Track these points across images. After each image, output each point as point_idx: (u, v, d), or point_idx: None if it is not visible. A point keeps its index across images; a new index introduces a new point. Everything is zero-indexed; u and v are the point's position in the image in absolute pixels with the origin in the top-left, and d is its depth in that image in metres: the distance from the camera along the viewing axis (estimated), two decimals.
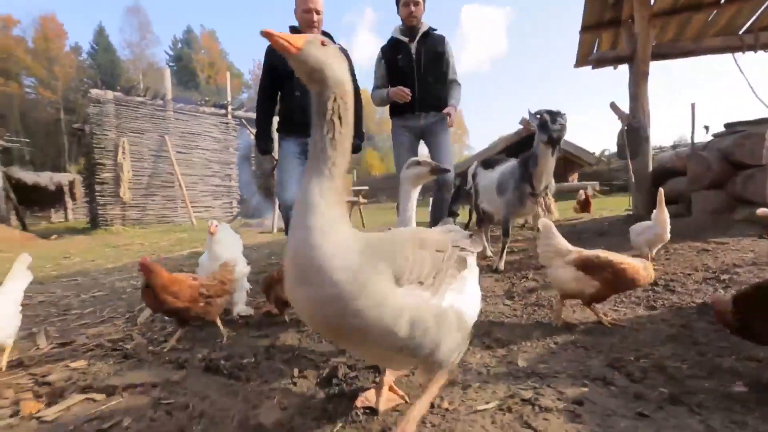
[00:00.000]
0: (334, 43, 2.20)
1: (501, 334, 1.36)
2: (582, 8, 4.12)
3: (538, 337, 1.29)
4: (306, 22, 2.15)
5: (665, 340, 1.16)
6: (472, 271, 0.95)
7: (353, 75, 2.40)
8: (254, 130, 2.51)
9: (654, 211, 2.10)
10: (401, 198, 1.22)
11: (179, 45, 44.37)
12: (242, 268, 1.92)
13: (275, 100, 2.33)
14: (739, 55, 3.93)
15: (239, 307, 1.87)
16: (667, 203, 3.52)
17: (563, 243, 1.46)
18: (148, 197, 8.53)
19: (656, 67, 3.80)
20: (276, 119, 2.46)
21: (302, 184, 0.71)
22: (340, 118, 0.72)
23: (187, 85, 39.74)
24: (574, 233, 3.59)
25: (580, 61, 4.94)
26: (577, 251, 1.40)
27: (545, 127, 2.20)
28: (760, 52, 3.95)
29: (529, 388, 0.93)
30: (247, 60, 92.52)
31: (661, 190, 2.12)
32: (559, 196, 12.53)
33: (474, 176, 3.11)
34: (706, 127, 3.83)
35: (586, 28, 4.45)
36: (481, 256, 2.93)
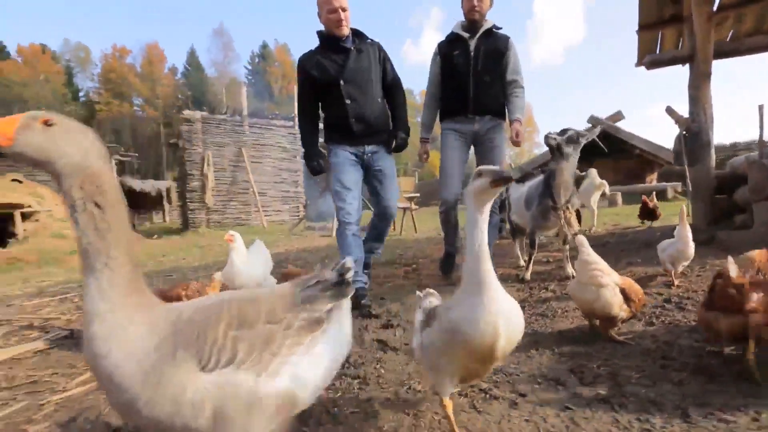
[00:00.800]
0: (366, 39, 2.17)
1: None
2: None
3: (525, 343, 1.46)
4: (333, 23, 2.06)
5: (638, 354, 1.26)
6: (333, 328, 0.79)
7: (392, 69, 2.21)
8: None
9: (677, 226, 2.08)
10: (467, 223, 0.86)
11: (256, 60, 48.24)
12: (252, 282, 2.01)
13: (318, 114, 2.24)
14: None
15: None
16: (740, 212, 3.29)
17: (603, 264, 1.43)
18: (227, 202, 9.64)
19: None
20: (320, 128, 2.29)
21: (83, 289, 0.63)
22: (97, 204, 0.63)
23: (263, 95, 43.11)
24: (620, 244, 3.49)
25: (641, 60, 4.70)
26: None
27: (551, 142, 2.29)
28: None
29: (489, 382, 1.13)
30: None
31: (683, 207, 2.09)
32: (632, 199, 11.58)
33: (507, 188, 3.21)
34: None
35: (644, 27, 4.24)
36: (515, 265, 3.03)
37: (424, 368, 1.00)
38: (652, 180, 14.82)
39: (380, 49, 2.24)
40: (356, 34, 2.20)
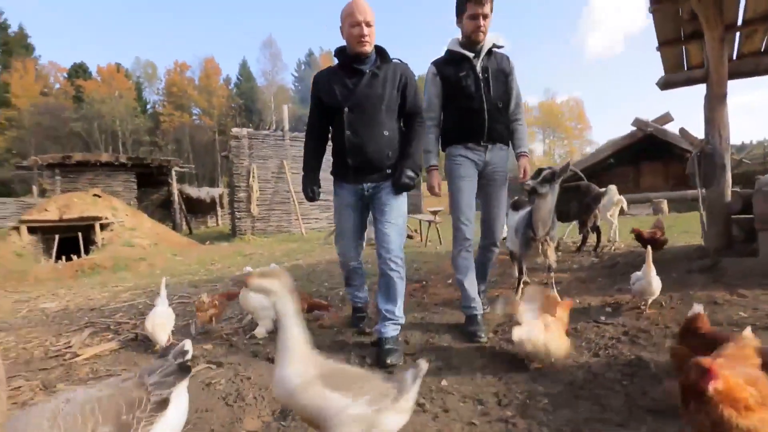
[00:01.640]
0: (389, 59, 1.97)
1: (456, 357, 1.86)
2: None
3: (479, 365, 1.76)
4: (355, 38, 1.89)
5: (560, 382, 1.53)
6: (176, 402, 1.05)
7: (413, 96, 2.03)
8: None
9: (644, 264, 2.22)
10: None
11: (302, 67, 50.23)
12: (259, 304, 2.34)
13: (325, 139, 2.14)
14: None
15: (257, 330, 2.37)
16: None
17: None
18: (270, 212, 10.44)
19: None
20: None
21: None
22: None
23: (307, 101, 44.80)
24: (626, 265, 3.57)
25: (668, 72, 4.65)
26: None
27: (526, 188, 2.33)
28: None
29: (427, 397, 1.45)
30: None
31: (649, 248, 2.24)
32: (681, 206, 10.95)
33: (506, 214, 3.43)
34: None
35: (664, 44, 4.23)
36: (513, 286, 3.24)
37: None
38: None
39: (403, 72, 2.02)
40: (379, 52, 2.01)
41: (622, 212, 5.05)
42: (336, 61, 2.05)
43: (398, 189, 2.02)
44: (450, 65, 2.20)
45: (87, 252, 6.59)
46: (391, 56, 2.05)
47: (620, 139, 12.94)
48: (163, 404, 0.99)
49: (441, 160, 2.39)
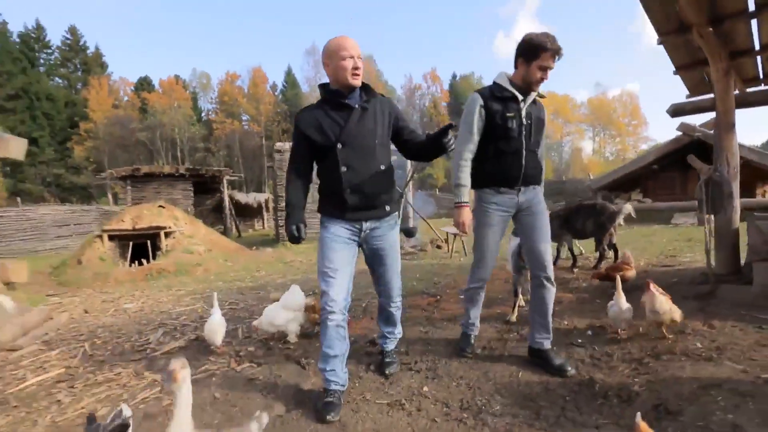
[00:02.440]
0: (375, 95, 1.92)
1: (442, 368, 2.29)
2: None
3: (458, 374, 2.18)
4: (347, 71, 1.83)
5: (518, 395, 1.92)
6: None
7: (406, 122, 2.04)
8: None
9: (619, 297, 2.50)
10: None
11: None
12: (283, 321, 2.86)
13: (310, 178, 2.01)
14: None
15: (289, 336, 2.89)
16: None
17: None
18: (309, 221, 11.21)
19: None
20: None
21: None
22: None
23: None
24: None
25: (692, 92, 4.71)
26: None
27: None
28: None
29: (409, 400, 1.91)
30: (399, 75, 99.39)
31: (618, 278, 2.52)
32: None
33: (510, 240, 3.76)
34: None
35: (680, 68, 4.33)
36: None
37: None
38: (765, 193, 12.91)
39: (390, 107, 2.02)
40: (365, 89, 1.95)
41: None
42: (320, 96, 1.98)
43: (446, 144, 1.87)
44: (498, 101, 2.10)
45: (154, 257, 7.63)
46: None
47: (665, 144, 12.44)
48: None
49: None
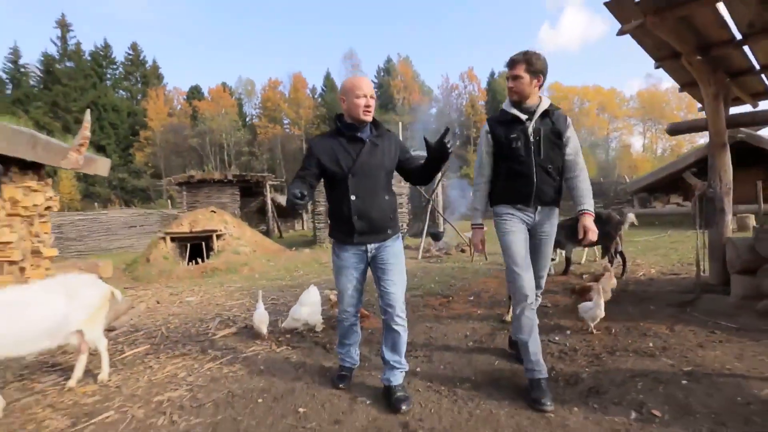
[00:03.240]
0: (384, 130, 2.13)
1: (439, 361, 2.85)
2: None
3: (453, 366, 2.73)
4: (361, 108, 2.03)
5: (495, 384, 2.45)
6: None
7: (410, 153, 2.23)
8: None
9: (596, 296, 2.94)
10: None
11: (381, 74, 52.30)
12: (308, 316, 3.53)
13: (313, 185, 2.13)
14: None
15: (316, 327, 3.58)
16: None
17: None
18: None
19: None
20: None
21: None
22: None
23: (387, 107, 46.80)
24: (629, 294, 4.09)
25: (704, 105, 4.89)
26: None
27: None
28: None
29: (428, 379, 2.50)
30: (436, 75, 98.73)
31: (595, 285, 2.95)
32: None
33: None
34: None
35: (684, 86, 4.56)
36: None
37: None
38: None
39: (396, 142, 2.22)
40: (374, 124, 2.15)
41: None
42: (335, 127, 2.15)
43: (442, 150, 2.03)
44: (502, 125, 2.23)
45: (208, 257, 8.68)
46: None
47: (706, 145, 11.96)
48: None
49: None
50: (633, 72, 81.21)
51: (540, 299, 2.49)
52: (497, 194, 2.31)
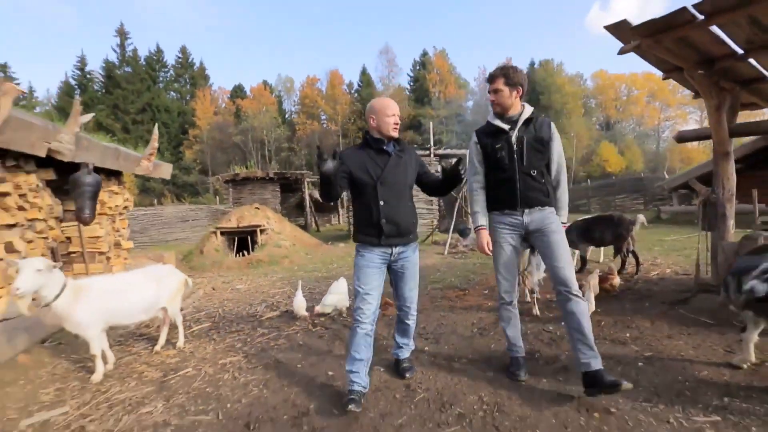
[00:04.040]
0: (405, 145, 2.37)
1: (445, 343, 3.39)
2: None
3: (455, 346, 3.27)
4: (390, 126, 2.28)
5: (483, 355, 2.96)
6: None
7: (428, 168, 2.52)
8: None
9: (587, 291, 3.35)
10: None
11: (417, 67, 52.24)
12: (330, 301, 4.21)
13: (342, 190, 2.31)
14: None
15: (344, 312, 4.24)
16: None
17: None
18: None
19: None
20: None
21: None
22: None
23: (423, 101, 46.86)
24: (628, 292, 4.41)
25: None
26: None
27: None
28: None
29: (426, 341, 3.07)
30: (473, 67, 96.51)
31: (595, 282, 3.35)
32: None
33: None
34: None
35: (698, 95, 4.72)
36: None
37: None
38: None
39: (416, 157, 2.47)
40: (397, 140, 2.38)
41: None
42: (363, 141, 2.38)
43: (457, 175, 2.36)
44: (488, 136, 2.41)
45: (253, 249, 9.63)
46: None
47: (752, 141, 11.38)
48: None
49: None
50: None
51: (579, 299, 2.24)
52: (489, 201, 2.48)
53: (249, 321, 4.35)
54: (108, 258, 5.61)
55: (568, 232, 2.43)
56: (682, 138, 4.49)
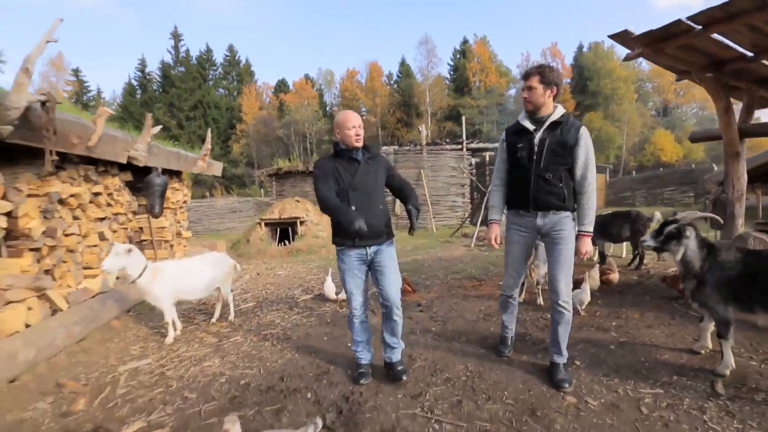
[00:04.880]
0: (374, 152, 2.52)
1: (451, 324, 3.87)
2: None
3: (460, 327, 3.75)
4: (352, 138, 2.41)
5: (481, 336, 3.42)
6: None
7: (398, 173, 2.62)
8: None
9: (584, 283, 3.68)
10: None
11: (457, 56, 51.40)
12: None
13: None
14: None
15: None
16: None
17: None
18: None
19: None
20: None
21: None
22: None
23: (462, 91, 46.23)
24: (634, 285, 4.63)
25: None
26: None
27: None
28: None
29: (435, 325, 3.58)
30: (515, 54, 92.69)
31: (587, 273, 3.67)
32: None
33: None
34: None
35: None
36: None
37: None
38: None
39: (385, 162, 2.61)
40: (365, 148, 2.52)
41: None
42: (334, 152, 2.53)
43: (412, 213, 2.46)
44: (515, 135, 2.44)
45: (293, 239, 10.51)
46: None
47: None
48: None
49: None
50: None
51: (565, 311, 2.42)
52: (507, 199, 2.57)
53: (287, 302, 5.06)
54: (171, 245, 6.59)
55: None
56: (694, 138, 4.59)
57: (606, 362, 2.71)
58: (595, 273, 4.07)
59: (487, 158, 14.06)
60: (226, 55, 48.58)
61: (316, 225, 10.99)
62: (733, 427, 1.94)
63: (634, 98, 42.23)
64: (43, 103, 2.94)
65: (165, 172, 5.83)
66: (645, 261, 5.58)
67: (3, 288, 3.08)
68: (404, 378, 2.60)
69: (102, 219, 4.66)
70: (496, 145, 13.19)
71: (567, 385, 2.39)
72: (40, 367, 3.08)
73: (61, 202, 3.90)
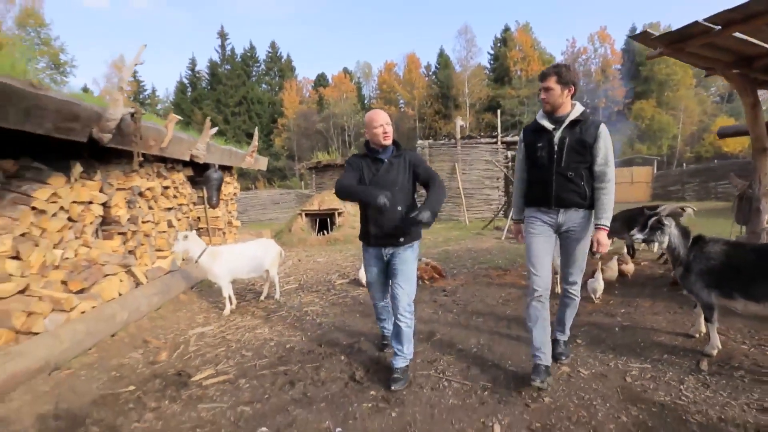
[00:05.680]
0: (401, 150, 2.56)
1: (465, 314, 4.25)
2: None
3: (474, 312, 4.12)
4: (378, 137, 2.45)
5: (496, 316, 3.78)
6: None
7: (424, 170, 2.56)
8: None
9: (596, 273, 3.92)
10: None
11: (498, 45, 50.06)
12: None
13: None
14: None
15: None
16: None
17: None
18: (445, 204, 13.43)
19: None
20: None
21: None
22: None
23: (503, 80, 45.14)
24: (648, 279, 4.75)
25: None
26: None
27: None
28: None
29: (439, 312, 3.99)
30: (560, 41, 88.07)
31: (614, 266, 3.91)
32: None
33: None
34: None
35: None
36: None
37: None
38: None
39: (411, 158, 2.58)
40: (396, 145, 2.57)
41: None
42: (365, 149, 2.61)
43: (414, 222, 2.29)
44: (534, 134, 2.44)
45: (331, 229, 11.18)
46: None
47: None
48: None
49: None
50: None
51: (575, 298, 2.61)
52: (526, 197, 2.55)
53: (325, 285, 5.64)
54: (224, 233, 7.40)
55: (612, 221, 2.41)
56: (723, 134, 4.60)
57: (605, 342, 3.00)
58: (614, 264, 4.27)
59: None
60: (269, 52, 50.40)
61: (353, 216, 11.58)
62: (704, 395, 2.21)
63: (692, 84, 39.25)
64: (132, 114, 3.63)
65: (219, 167, 6.58)
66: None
67: (101, 263, 3.85)
68: (393, 387, 2.44)
69: (169, 209, 5.45)
70: None
71: (564, 358, 2.67)
72: (130, 327, 3.83)
73: (140, 194, 4.66)
